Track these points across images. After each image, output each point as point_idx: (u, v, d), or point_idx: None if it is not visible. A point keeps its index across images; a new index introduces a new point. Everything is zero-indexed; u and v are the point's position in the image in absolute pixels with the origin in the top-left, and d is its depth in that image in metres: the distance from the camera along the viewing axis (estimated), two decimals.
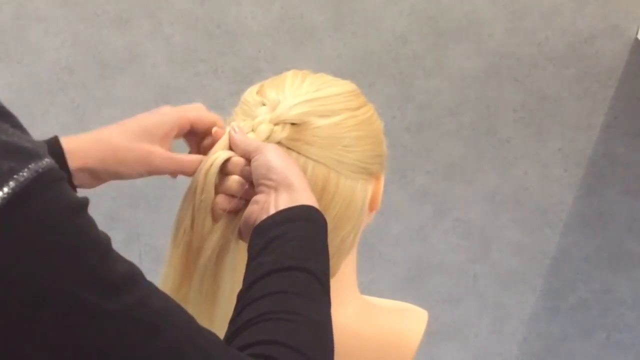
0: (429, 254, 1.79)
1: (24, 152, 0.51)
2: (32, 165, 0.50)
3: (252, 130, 0.77)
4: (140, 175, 0.78)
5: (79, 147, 0.75)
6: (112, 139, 0.76)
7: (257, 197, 0.72)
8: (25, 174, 0.50)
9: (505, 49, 1.59)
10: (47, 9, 1.59)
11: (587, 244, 1.77)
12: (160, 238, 1.76)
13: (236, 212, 0.76)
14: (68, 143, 0.75)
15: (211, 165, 0.75)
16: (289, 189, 0.70)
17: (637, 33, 1.56)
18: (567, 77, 1.61)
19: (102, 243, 0.54)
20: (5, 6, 1.59)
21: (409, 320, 0.89)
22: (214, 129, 0.79)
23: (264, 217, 0.69)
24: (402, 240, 1.78)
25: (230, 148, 0.76)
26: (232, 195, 0.75)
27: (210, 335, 0.58)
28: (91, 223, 0.54)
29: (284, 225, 0.68)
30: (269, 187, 0.71)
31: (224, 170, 0.75)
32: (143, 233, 1.78)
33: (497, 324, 1.87)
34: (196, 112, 0.80)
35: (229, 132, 0.76)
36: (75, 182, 0.75)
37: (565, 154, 1.68)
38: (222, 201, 0.75)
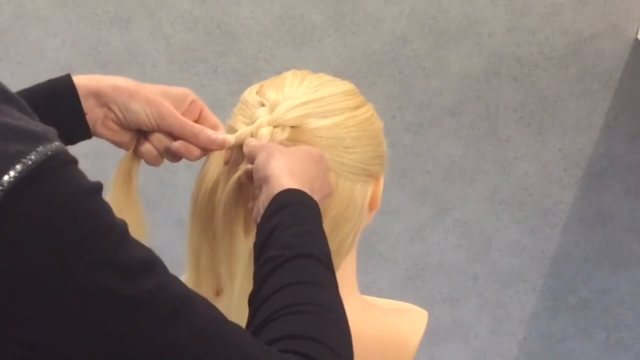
0: (429, 254, 1.79)
1: (31, 135, 0.50)
2: (40, 148, 0.49)
3: (252, 135, 0.77)
4: (149, 122, 0.76)
5: (93, 75, 0.76)
6: (128, 80, 0.77)
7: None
8: (33, 156, 0.48)
9: (505, 49, 1.59)
10: (47, 9, 1.59)
11: (587, 244, 1.77)
12: (160, 237, 1.76)
13: None
14: (81, 77, 0.75)
15: (225, 188, 0.76)
16: (265, 184, 0.70)
17: (637, 33, 1.56)
18: (567, 77, 1.61)
19: (116, 227, 0.52)
20: (5, 6, 1.59)
21: (409, 320, 0.89)
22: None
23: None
24: (402, 240, 1.78)
25: (237, 157, 0.77)
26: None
27: (236, 327, 0.57)
28: (104, 207, 0.52)
29: (274, 217, 0.67)
30: (259, 187, 0.72)
31: (240, 185, 0.76)
32: None
33: (497, 324, 1.87)
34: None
35: (243, 145, 0.76)
36: (85, 110, 0.74)
37: (565, 154, 1.68)
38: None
